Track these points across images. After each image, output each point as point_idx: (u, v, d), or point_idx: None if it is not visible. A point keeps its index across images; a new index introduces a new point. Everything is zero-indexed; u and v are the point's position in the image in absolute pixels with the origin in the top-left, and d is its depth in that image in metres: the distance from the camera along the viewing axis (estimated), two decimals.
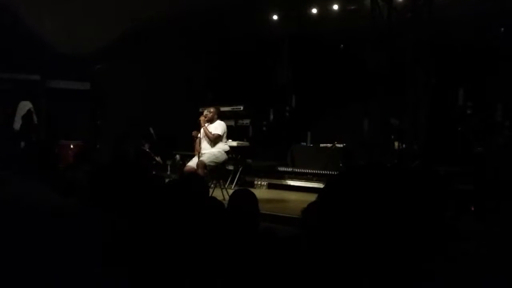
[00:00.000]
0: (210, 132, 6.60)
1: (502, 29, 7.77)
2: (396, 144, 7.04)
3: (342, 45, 9.62)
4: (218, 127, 6.70)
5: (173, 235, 1.45)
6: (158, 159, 9.31)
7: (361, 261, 0.94)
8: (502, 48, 7.32)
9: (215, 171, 6.76)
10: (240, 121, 9.20)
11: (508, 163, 6.12)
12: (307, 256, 0.99)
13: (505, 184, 5.63)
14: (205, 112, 6.75)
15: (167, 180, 4.88)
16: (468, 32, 7.57)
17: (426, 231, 1.26)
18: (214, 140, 6.61)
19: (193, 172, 6.13)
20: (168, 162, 9.46)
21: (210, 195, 6.11)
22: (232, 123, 8.66)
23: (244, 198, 2.68)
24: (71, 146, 9.22)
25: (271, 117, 10.13)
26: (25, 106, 9.45)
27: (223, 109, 7.87)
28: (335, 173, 6.79)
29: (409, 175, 1.04)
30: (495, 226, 4.89)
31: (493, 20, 7.62)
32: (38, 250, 1.55)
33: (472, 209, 5.55)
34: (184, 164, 7.37)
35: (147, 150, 9.30)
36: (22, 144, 8.92)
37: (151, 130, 9.45)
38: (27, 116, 9.41)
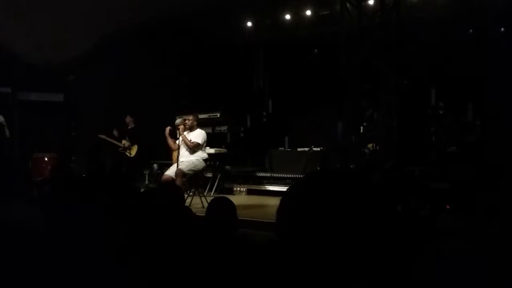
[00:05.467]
0: (190, 141, 6.59)
1: (471, 30, 7.97)
2: (370, 145, 7.14)
3: (316, 50, 9.72)
4: (198, 135, 6.69)
5: (147, 245, 1.45)
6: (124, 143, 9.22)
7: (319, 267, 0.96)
8: (471, 49, 7.50)
9: (194, 179, 6.75)
10: (218, 128, 9.21)
11: (481, 160, 6.27)
12: (281, 261, 1.01)
13: (479, 181, 5.77)
14: (177, 121, 6.69)
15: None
16: (437, 34, 7.75)
17: (394, 231, 1.29)
18: (193, 148, 6.60)
19: (169, 181, 6.10)
20: (146, 172, 9.38)
21: (189, 203, 6.14)
22: (209, 130, 8.65)
23: (222, 206, 2.69)
24: (46, 159, 9.05)
25: (248, 123, 10.16)
26: None
27: (200, 116, 7.85)
28: None
29: (363, 178, 1.05)
30: (472, 223, 5.01)
31: (461, 21, 7.81)
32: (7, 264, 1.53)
33: (448, 207, 5.66)
34: (162, 173, 7.32)
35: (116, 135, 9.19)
36: None
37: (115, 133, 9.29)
38: None
